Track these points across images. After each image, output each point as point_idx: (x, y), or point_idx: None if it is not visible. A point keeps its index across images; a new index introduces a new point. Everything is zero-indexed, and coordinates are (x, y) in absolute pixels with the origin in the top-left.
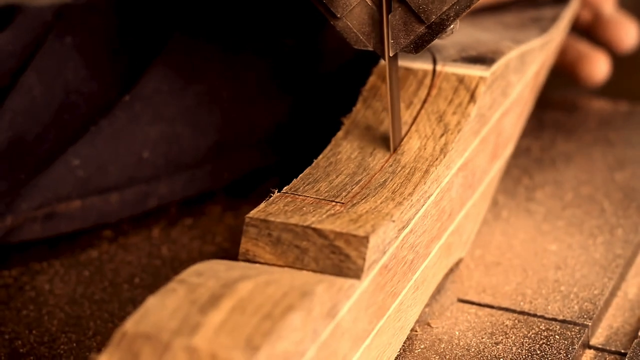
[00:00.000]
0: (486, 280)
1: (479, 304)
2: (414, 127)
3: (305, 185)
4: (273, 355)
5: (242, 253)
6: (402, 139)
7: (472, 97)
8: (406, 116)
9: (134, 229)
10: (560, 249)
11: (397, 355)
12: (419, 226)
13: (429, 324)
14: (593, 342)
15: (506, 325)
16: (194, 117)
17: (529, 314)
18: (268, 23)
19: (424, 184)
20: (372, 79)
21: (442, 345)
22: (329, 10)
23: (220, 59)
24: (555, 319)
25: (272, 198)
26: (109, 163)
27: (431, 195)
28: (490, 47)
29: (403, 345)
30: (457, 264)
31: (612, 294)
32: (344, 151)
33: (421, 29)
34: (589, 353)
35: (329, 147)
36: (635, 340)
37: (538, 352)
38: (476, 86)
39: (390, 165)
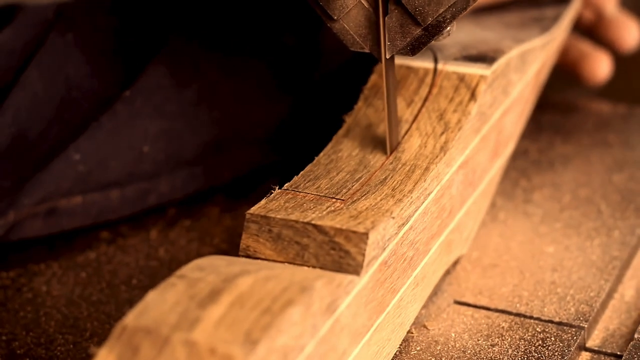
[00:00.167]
0: (483, 282)
1: (476, 306)
2: (414, 125)
3: (306, 182)
4: (272, 349)
5: (242, 249)
6: (400, 141)
7: (473, 96)
8: (407, 114)
9: (132, 230)
10: (557, 250)
11: (393, 357)
12: (419, 223)
13: (425, 326)
14: (589, 344)
15: (502, 327)
16: (194, 113)
17: (525, 316)
18: (269, 21)
19: (424, 181)
20: (373, 78)
21: (438, 347)
22: (325, 12)
23: (220, 57)
24: (551, 321)
25: (272, 195)
26: (110, 158)
27: (431, 192)
28: (491, 46)
29: (399, 347)
30: (458, 261)
31: (609, 296)
32: (345, 149)
33: (418, 31)
34: (585, 355)
35: (330, 145)
36: (631, 343)
37: (534, 354)
38: (477, 84)
39: (391, 163)
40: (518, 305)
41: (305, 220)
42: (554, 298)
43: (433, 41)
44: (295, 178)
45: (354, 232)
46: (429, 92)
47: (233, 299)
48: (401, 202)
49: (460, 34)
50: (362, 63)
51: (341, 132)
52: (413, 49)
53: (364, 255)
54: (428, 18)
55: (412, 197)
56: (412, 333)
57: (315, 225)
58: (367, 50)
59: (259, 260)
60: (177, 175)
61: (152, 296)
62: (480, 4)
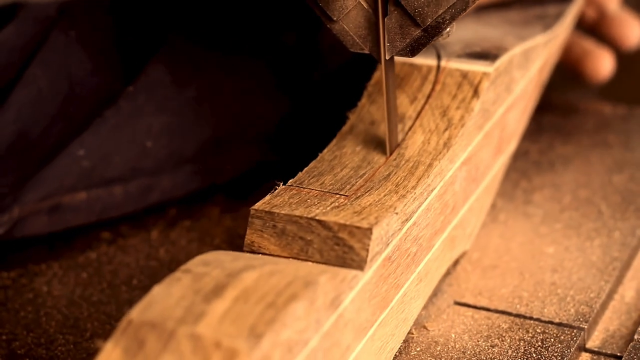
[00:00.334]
0: (483, 283)
1: (476, 307)
2: (418, 122)
3: (310, 178)
4: (276, 343)
5: (247, 244)
6: (403, 137)
7: (476, 92)
8: (410, 111)
9: (133, 230)
10: (557, 251)
11: (393, 357)
12: (423, 219)
13: (425, 327)
14: (589, 345)
15: (502, 328)
16: (195, 110)
17: (525, 317)
18: (269, 20)
19: (428, 177)
20: (377, 75)
21: (438, 348)
22: (325, 13)
23: (221, 55)
24: (551, 322)
25: (277, 191)
26: (113, 153)
27: (434, 188)
28: (494, 44)
29: (399, 348)
30: (458, 262)
31: (609, 296)
32: (349, 145)
33: (417, 32)
34: (585, 356)
35: (334, 141)
36: (631, 344)
37: (534, 355)
38: (480, 81)
39: (394, 159)
40: (518, 306)
41: (310, 216)
42: (554, 299)
43: (433, 42)
44: (300, 174)
45: (358, 227)
46: (432, 89)
47: (238, 294)
48: (405, 198)
49: (463, 31)
50: (362, 62)
51: (345, 128)
52: (412, 50)
53: (367, 250)
54: (427, 19)
55: (415, 193)
56: (412, 334)
57: (319, 221)
58: (366, 51)
59: (263, 256)
60: (179, 172)
61: (157, 290)
62: (483, 3)
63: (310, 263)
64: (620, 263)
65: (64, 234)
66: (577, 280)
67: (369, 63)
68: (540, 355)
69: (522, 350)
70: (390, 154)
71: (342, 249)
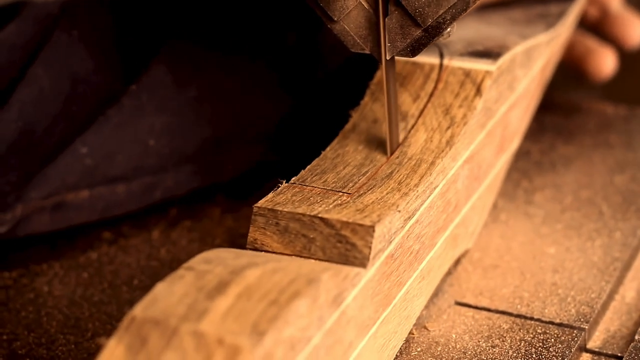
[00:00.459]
0: (484, 283)
1: (476, 307)
2: (420, 120)
3: (313, 176)
4: (279, 340)
5: (250, 242)
6: (406, 135)
7: (478, 91)
8: (413, 109)
9: (134, 230)
10: (558, 252)
11: (394, 358)
12: (425, 217)
13: (425, 327)
14: (590, 345)
15: (503, 329)
16: (197, 109)
17: (526, 317)
18: (271, 19)
19: (430, 175)
20: (379, 73)
21: (439, 348)
22: (325, 13)
23: (223, 54)
24: (552, 322)
25: (280, 188)
26: (116, 151)
27: (437, 186)
28: (496, 42)
29: (400, 348)
30: (459, 262)
31: (610, 297)
32: (352, 143)
33: (418, 33)
34: (586, 356)
35: (336, 139)
36: (632, 344)
37: (535, 355)
38: (482, 80)
39: (397, 157)
40: (519, 306)
41: (312, 214)
42: (554, 299)
43: (433, 42)
44: (302, 172)
45: (361, 225)
46: (435, 87)
47: (240, 291)
48: (407, 195)
49: (466, 30)
50: (364, 61)
51: (348, 127)
52: (413, 50)
53: (370, 248)
54: (428, 19)
55: (418, 191)
56: (412, 334)
57: (322, 219)
58: (367, 52)
59: (266, 253)
60: (182, 171)
61: (160, 288)
62: (486, 1)
63: (312, 260)
64: (621, 263)
65: (65, 233)
66: (578, 280)
67: (370, 62)
68: (541, 355)
69: (523, 351)
70: (391, 155)
71: (345, 247)
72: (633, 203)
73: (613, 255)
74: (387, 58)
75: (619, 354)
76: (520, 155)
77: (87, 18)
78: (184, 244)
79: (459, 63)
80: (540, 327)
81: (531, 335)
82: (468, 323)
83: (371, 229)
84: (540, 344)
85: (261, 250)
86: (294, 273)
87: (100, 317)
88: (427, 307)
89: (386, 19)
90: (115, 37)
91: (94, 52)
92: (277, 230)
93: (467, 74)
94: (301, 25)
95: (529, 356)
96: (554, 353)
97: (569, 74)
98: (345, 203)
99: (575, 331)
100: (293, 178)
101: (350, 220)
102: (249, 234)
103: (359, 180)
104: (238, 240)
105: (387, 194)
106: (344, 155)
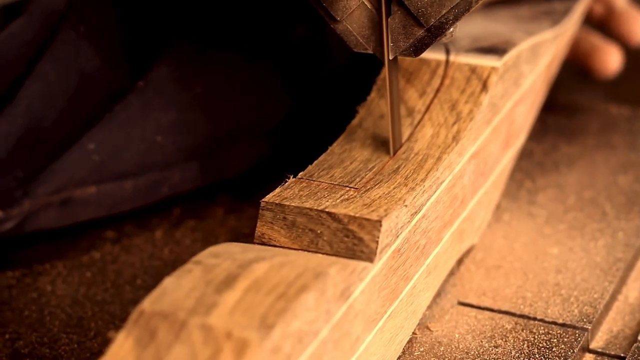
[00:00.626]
0: (486, 283)
1: (479, 307)
2: (427, 115)
3: (320, 171)
4: (287, 334)
5: (257, 236)
6: (408, 137)
7: (484, 87)
8: (419, 105)
9: (137, 230)
10: (561, 252)
11: (397, 358)
12: (432, 212)
13: (428, 327)
14: (593, 345)
15: (506, 329)
16: (204, 105)
17: (528, 318)
18: (278, 14)
19: (437, 170)
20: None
21: (442, 349)
22: (328, 13)
23: (230, 49)
24: (555, 323)
25: (287, 183)
26: (123, 148)
27: (443, 181)
28: (502, 39)
29: (402, 348)
30: (462, 262)
31: (613, 297)
32: (359, 138)
33: (420, 33)
34: (589, 357)
35: (343, 135)
36: (635, 345)
37: (537, 355)
38: (488, 76)
39: (404, 152)
40: (522, 306)
41: (320, 208)
42: (557, 299)
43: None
44: (310, 167)
45: (368, 219)
46: (441, 83)
47: (248, 285)
48: (414, 190)
49: (472, 26)
50: (371, 57)
51: (354, 122)
52: (416, 50)
53: (377, 242)
54: (430, 19)
55: (424, 185)
56: (415, 334)
57: (329, 213)
58: (370, 51)
59: (273, 247)
60: (188, 167)
61: (168, 282)
62: None
63: (320, 255)
64: (624, 264)
65: (68, 232)
66: (581, 280)
67: (377, 58)
68: (544, 356)
69: (526, 351)
70: (394, 154)
71: (352, 241)
72: (636, 203)
73: (616, 255)
74: (390, 58)
75: (622, 355)
76: (523, 155)
77: (94, 14)
78: (187, 243)
79: (465, 59)
80: (543, 328)
81: (534, 336)
82: (471, 323)
83: (378, 223)
84: (543, 344)
85: (268, 245)
86: (302, 267)
87: (103, 316)
88: (429, 307)
89: (389, 19)
90: (122, 33)
91: (101, 48)
92: (285, 225)
93: (473, 70)
94: (309, 19)
95: (532, 356)
96: (556, 353)
97: (574, 71)
98: (353, 198)
99: (578, 331)
100: (300, 173)
101: (358, 215)
102: (257, 229)
103: (366, 175)
104: (241, 240)
105: (394, 188)
106: (351, 151)
